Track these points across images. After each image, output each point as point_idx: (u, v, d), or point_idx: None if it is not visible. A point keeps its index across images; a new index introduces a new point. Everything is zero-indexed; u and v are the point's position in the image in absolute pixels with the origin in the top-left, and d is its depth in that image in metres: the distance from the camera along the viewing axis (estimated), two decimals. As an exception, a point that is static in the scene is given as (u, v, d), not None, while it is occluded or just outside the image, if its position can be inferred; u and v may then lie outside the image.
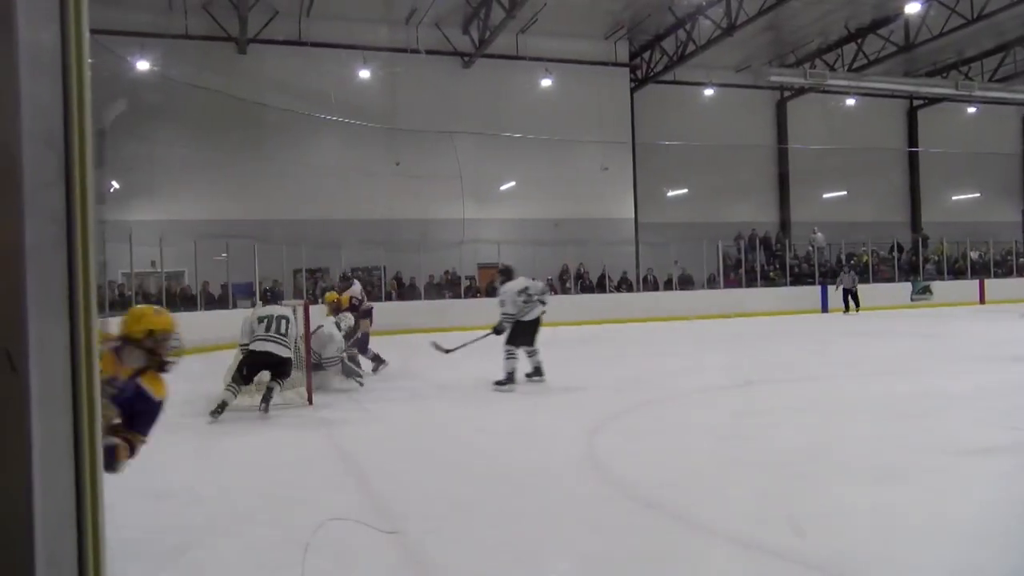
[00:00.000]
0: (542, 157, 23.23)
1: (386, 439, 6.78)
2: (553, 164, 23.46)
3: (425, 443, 6.53)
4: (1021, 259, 28.03)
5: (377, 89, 22.28)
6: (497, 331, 9.28)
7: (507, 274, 9.57)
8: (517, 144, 22.72)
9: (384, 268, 20.85)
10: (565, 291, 22.30)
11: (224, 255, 18.30)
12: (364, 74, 21.82)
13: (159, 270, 17.54)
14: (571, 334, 17.51)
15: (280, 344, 7.84)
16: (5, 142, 0.88)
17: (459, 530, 4.15)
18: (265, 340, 7.81)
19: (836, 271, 23.96)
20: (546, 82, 23.44)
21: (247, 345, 7.95)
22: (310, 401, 8.22)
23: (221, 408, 7.46)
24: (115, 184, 19.70)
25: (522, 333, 9.14)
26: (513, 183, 23.35)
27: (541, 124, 22.99)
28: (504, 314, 9.13)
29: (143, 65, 18.89)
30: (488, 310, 20.07)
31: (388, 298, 19.80)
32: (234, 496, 4.98)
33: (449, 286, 21.57)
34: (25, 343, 0.88)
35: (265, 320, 7.93)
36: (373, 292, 18.34)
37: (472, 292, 21.47)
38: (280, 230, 19.74)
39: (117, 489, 4.83)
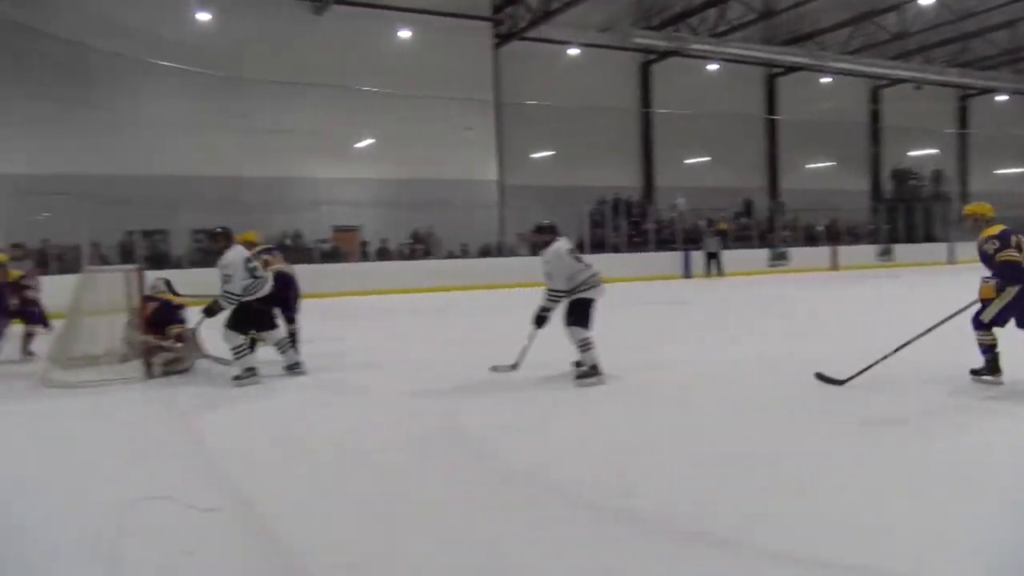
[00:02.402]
0: (401, 114, 21.86)
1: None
2: (413, 122, 22.11)
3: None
4: (869, 226, 29.20)
5: (218, 33, 20.13)
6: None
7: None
8: (374, 99, 21.27)
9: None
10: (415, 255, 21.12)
11: (47, 214, 16.28)
12: (203, 16, 19.73)
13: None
14: (430, 302, 16.51)
15: None
16: None
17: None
18: None
19: (698, 236, 23.92)
20: (404, 34, 22.02)
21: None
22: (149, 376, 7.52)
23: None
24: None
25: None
26: (372, 141, 21.94)
27: (399, 79, 21.60)
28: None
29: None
30: (344, 276, 18.70)
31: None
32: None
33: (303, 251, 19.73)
34: None
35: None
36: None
37: (334, 257, 19.76)
38: (108, 187, 17.50)
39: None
